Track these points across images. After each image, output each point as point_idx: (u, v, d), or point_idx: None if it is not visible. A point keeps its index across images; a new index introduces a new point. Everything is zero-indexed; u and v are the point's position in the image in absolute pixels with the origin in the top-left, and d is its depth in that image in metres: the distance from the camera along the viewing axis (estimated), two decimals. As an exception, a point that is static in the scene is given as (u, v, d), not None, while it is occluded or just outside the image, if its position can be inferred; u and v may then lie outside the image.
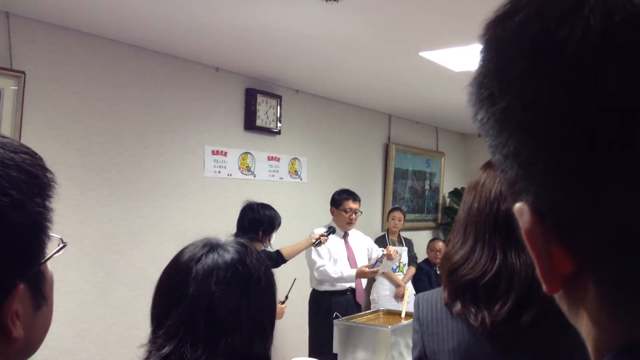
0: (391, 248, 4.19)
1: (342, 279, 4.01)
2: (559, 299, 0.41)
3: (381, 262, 4.12)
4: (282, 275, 3.68)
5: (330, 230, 4.02)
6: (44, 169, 0.59)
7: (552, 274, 0.37)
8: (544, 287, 0.39)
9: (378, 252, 4.31)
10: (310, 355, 3.70)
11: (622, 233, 0.34)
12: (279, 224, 3.48)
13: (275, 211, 3.48)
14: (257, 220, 3.39)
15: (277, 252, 3.60)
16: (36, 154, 0.60)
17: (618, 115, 0.32)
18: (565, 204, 0.35)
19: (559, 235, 0.37)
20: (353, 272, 4.01)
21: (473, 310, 1.15)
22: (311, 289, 4.14)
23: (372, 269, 4.03)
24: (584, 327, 0.39)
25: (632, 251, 0.34)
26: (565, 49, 0.33)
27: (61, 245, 0.63)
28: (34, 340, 0.63)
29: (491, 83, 0.38)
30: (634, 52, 0.31)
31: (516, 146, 0.37)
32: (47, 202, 0.58)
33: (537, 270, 0.39)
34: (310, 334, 4.07)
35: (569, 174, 0.34)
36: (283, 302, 3.36)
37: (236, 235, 3.36)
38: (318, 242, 3.87)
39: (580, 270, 0.36)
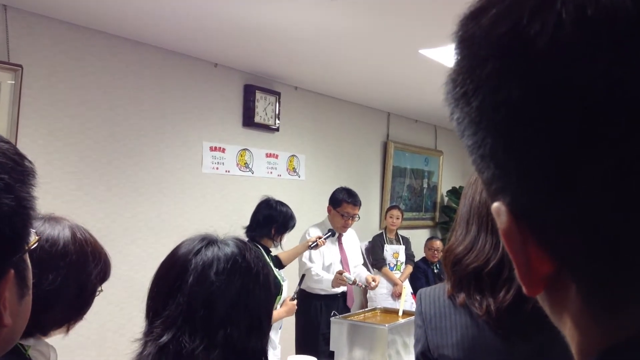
0: (369, 278, 4.03)
1: (321, 282, 3.86)
2: (541, 300, 0.40)
3: (353, 284, 3.92)
4: (283, 272, 3.69)
5: (330, 233, 3.89)
6: (23, 157, 0.60)
7: (531, 275, 0.37)
8: (524, 289, 0.38)
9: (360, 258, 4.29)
10: (296, 353, 3.67)
11: (597, 235, 0.33)
12: (293, 226, 3.39)
13: (292, 211, 3.38)
14: (272, 217, 3.30)
15: (276, 257, 3.54)
16: (13, 144, 0.61)
17: (590, 112, 0.31)
18: (540, 205, 0.35)
19: (536, 236, 0.36)
20: (330, 277, 3.84)
21: (478, 298, 1.16)
22: (299, 289, 4.05)
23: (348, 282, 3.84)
24: (567, 330, 0.38)
25: (609, 253, 0.33)
26: (537, 45, 0.32)
27: (37, 237, 0.64)
28: (17, 330, 0.64)
29: (465, 82, 0.37)
30: (606, 46, 0.30)
31: (491, 146, 0.36)
32: (30, 190, 0.59)
33: (516, 272, 0.38)
34: (297, 334, 3.98)
35: (543, 175, 0.34)
36: (293, 299, 3.34)
37: (249, 228, 3.31)
38: (315, 245, 3.73)
39: (560, 272, 0.36)
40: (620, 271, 0.33)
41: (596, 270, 0.34)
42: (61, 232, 1.16)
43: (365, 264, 5.34)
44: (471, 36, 0.36)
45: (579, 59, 0.31)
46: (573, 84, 0.31)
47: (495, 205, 0.38)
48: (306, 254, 3.88)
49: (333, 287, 3.85)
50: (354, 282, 3.84)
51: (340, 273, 3.81)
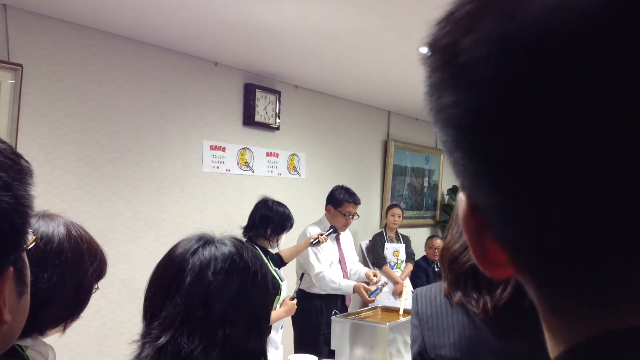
0: (370, 273, 4.11)
1: (339, 290, 3.88)
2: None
3: (381, 290, 4.04)
4: (282, 272, 3.68)
5: (332, 230, 3.85)
6: (20, 157, 0.61)
7: (487, 260, 0.38)
8: (484, 271, 0.40)
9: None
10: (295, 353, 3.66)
11: (549, 236, 0.33)
12: (291, 226, 3.36)
13: (289, 211, 3.36)
14: (269, 217, 3.27)
15: (277, 254, 3.51)
16: (10, 144, 0.62)
17: (526, 120, 0.32)
18: (491, 204, 0.36)
19: (491, 231, 0.38)
20: (351, 285, 3.87)
21: (475, 296, 1.16)
22: (298, 289, 4.04)
23: (369, 297, 3.87)
24: (541, 316, 0.39)
25: (563, 255, 0.33)
26: (461, 58, 0.34)
27: (35, 237, 0.65)
28: (16, 328, 0.64)
29: (427, 82, 0.40)
30: (525, 58, 0.31)
31: (448, 144, 0.38)
32: (27, 188, 0.59)
33: (473, 256, 0.40)
34: (295, 333, 3.97)
35: (491, 176, 0.35)
36: (292, 298, 3.33)
37: (246, 228, 3.30)
38: (316, 242, 3.67)
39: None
40: (574, 271, 0.33)
41: (549, 271, 0.35)
42: (56, 230, 1.15)
43: (365, 262, 5.35)
44: (431, 43, 0.39)
45: (502, 71, 0.32)
46: (497, 95, 0.33)
47: (460, 194, 0.41)
48: (312, 255, 3.84)
49: (360, 295, 3.92)
50: (381, 288, 4.01)
51: (367, 283, 3.91)
